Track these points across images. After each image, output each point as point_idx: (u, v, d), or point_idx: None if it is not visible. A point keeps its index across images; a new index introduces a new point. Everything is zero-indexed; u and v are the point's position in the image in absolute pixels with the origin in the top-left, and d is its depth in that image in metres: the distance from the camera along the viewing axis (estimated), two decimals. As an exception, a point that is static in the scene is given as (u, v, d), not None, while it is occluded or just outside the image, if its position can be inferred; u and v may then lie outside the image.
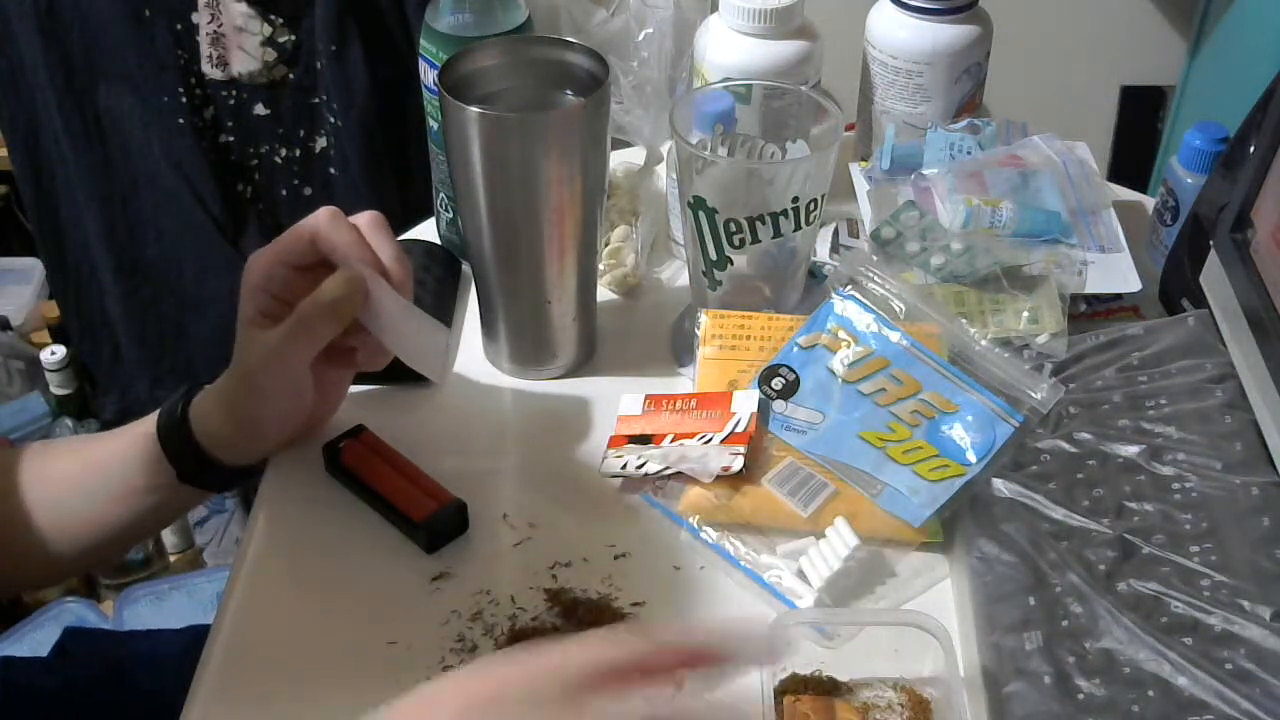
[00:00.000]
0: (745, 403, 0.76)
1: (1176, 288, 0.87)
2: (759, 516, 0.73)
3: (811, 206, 0.78)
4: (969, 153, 0.91)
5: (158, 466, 0.76)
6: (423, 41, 0.87)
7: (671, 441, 0.76)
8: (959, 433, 0.74)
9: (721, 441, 0.74)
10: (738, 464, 0.73)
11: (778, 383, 0.77)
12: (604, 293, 0.92)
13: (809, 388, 0.77)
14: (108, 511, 0.78)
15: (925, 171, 0.91)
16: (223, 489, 0.79)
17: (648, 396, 0.80)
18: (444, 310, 0.90)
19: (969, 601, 0.69)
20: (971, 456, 0.73)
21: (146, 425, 0.77)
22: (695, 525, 0.73)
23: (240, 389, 0.74)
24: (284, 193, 1.51)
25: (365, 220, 0.76)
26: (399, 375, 0.80)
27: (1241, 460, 0.72)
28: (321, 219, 0.74)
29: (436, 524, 0.74)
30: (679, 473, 0.74)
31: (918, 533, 0.72)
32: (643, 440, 0.77)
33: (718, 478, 0.73)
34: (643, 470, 0.75)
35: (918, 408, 0.75)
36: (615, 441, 0.78)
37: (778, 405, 0.77)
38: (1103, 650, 0.64)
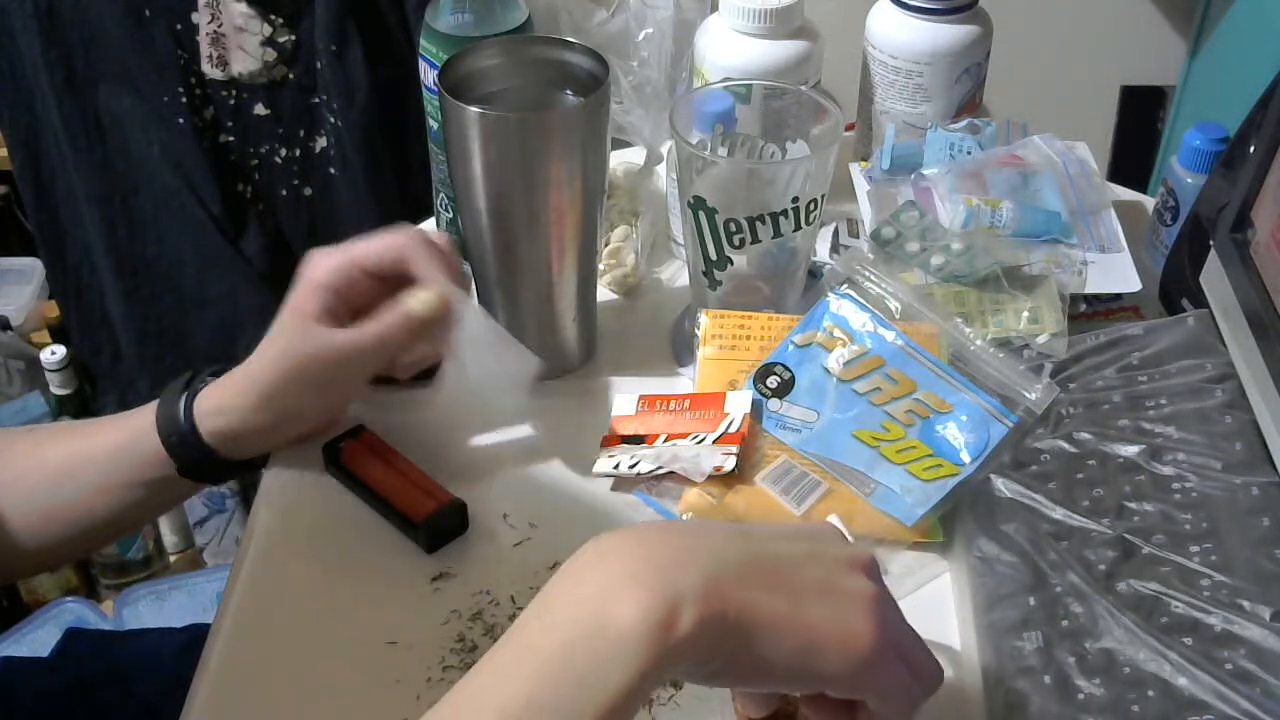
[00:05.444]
0: (739, 403, 0.76)
1: (1176, 288, 0.87)
2: (752, 515, 0.73)
3: (811, 206, 0.78)
4: (969, 153, 0.91)
5: (155, 461, 0.76)
6: (423, 41, 0.87)
7: (664, 441, 0.76)
8: (953, 433, 0.74)
9: (714, 442, 0.74)
10: (729, 464, 0.73)
11: (773, 381, 0.77)
12: (604, 293, 0.92)
13: (804, 386, 0.77)
14: (99, 502, 0.78)
15: (925, 171, 0.91)
16: (221, 481, 0.79)
17: (641, 397, 0.80)
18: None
19: (969, 601, 0.69)
20: (965, 456, 0.73)
21: (142, 419, 0.77)
22: (693, 525, 0.74)
23: (287, 380, 0.74)
24: (284, 193, 1.51)
25: (442, 241, 0.77)
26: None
27: (1241, 460, 0.72)
28: (410, 235, 0.75)
29: (436, 524, 0.74)
30: (671, 473, 0.74)
31: (911, 531, 0.72)
32: (635, 440, 0.77)
33: (710, 477, 0.73)
34: (635, 470, 0.75)
35: (912, 407, 0.75)
36: (608, 441, 0.78)
37: (772, 404, 0.77)
38: (1103, 650, 0.64)
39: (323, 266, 0.74)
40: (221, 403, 0.76)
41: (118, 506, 0.78)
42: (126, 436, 0.77)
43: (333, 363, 0.73)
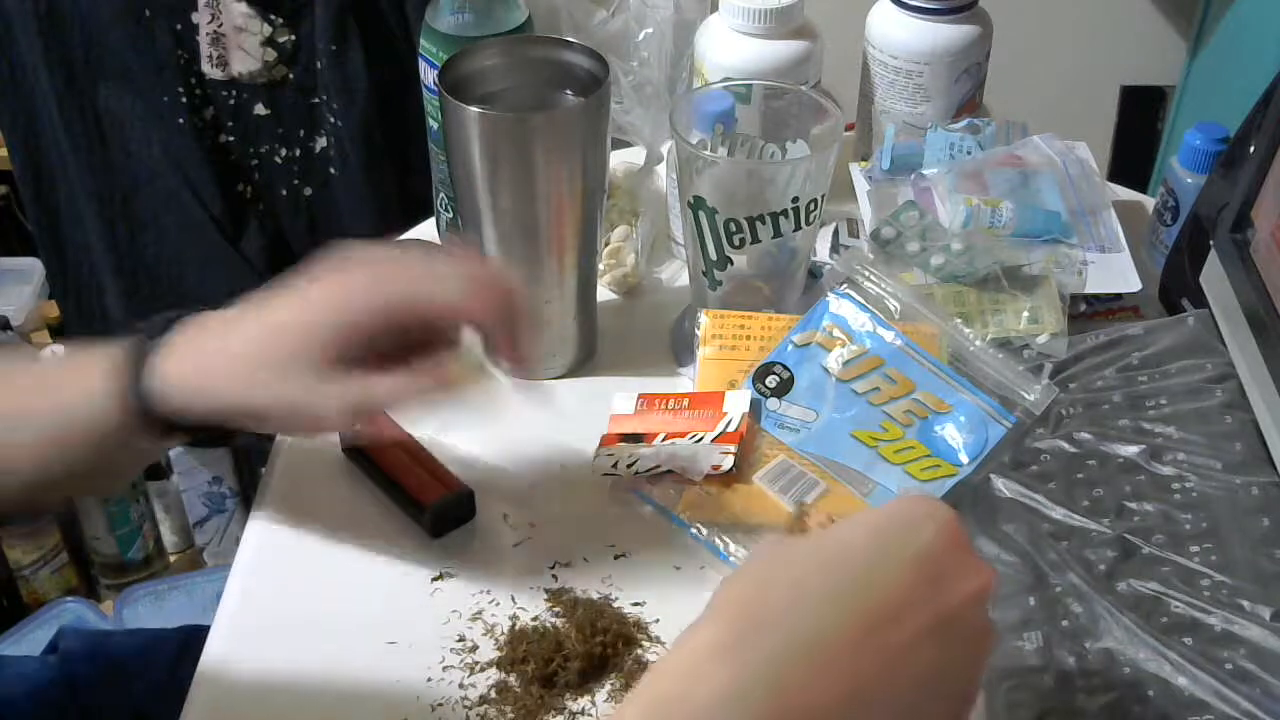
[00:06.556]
0: (737, 402, 0.76)
1: (1176, 288, 0.87)
2: (749, 514, 0.73)
3: (811, 206, 0.78)
4: (969, 153, 0.91)
5: (118, 424, 0.67)
6: (423, 41, 0.87)
7: (663, 440, 0.76)
8: (951, 433, 0.74)
9: (712, 441, 0.74)
10: (727, 463, 0.73)
11: (772, 380, 0.77)
12: (604, 293, 0.92)
13: (803, 386, 0.77)
14: (53, 451, 0.68)
15: (925, 171, 0.91)
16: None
17: (640, 396, 0.80)
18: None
19: (969, 601, 0.69)
20: (963, 457, 0.73)
21: (84, 392, 0.67)
22: (687, 522, 0.73)
23: (289, 401, 0.66)
24: (284, 193, 1.51)
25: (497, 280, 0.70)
26: None
27: (1241, 460, 0.72)
28: (457, 289, 0.67)
29: (443, 509, 0.75)
30: (669, 471, 0.74)
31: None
32: (634, 439, 0.77)
33: (708, 476, 0.73)
34: (633, 469, 0.75)
35: (911, 407, 0.75)
36: (607, 440, 0.78)
37: (771, 403, 0.77)
38: (1103, 650, 0.64)
39: (383, 303, 0.65)
40: (190, 401, 0.67)
41: (76, 457, 0.68)
42: (70, 401, 0.67)
43: (352, 403, 0.66)
